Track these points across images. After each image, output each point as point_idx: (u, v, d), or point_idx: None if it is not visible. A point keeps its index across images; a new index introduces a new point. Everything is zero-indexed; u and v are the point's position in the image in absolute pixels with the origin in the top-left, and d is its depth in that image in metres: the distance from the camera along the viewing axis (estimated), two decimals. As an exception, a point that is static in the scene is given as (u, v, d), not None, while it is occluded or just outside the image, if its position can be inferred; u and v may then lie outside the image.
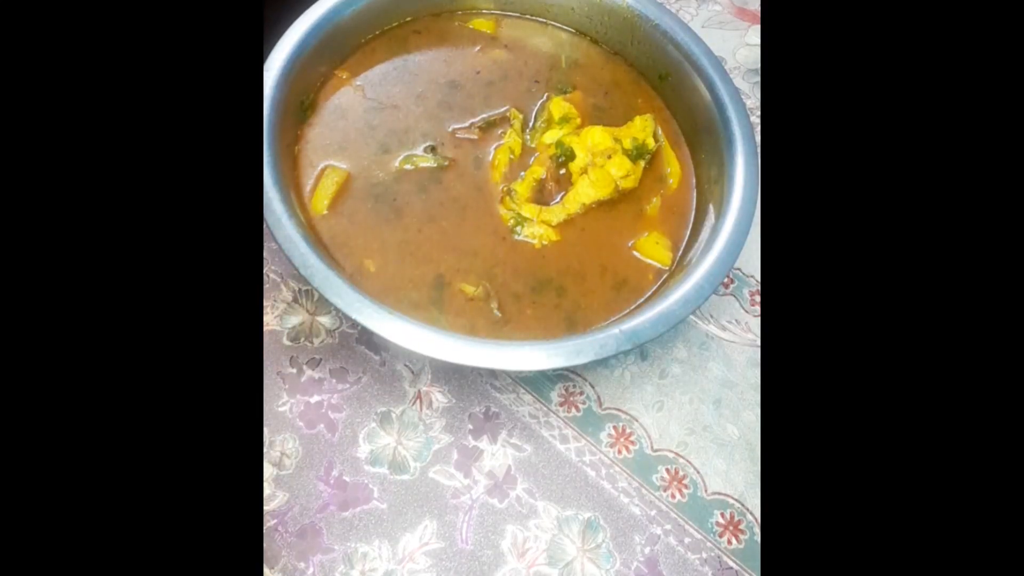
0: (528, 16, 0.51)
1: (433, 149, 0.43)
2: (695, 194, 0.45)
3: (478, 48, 0.48)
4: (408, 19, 0.49)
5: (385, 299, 0.36)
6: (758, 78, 0.59)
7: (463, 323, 0.38)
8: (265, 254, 0.46)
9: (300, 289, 0.45)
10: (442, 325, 0.38)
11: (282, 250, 0.35)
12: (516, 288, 0.40)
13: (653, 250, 0.42)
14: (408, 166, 0.43)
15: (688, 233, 0.43)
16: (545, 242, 0.41)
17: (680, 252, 0.42)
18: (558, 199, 0.43)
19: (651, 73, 0.49)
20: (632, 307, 0.40)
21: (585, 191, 0.42)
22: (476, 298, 0.39)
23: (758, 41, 0.61)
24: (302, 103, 0.43)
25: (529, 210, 0.42)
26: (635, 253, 0.42)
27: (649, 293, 0.41)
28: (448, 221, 0.41)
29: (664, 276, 0.41)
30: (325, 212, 0.40)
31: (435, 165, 0.43)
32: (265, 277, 0.45)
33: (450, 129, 0.45)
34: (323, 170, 0.42)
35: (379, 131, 0.44)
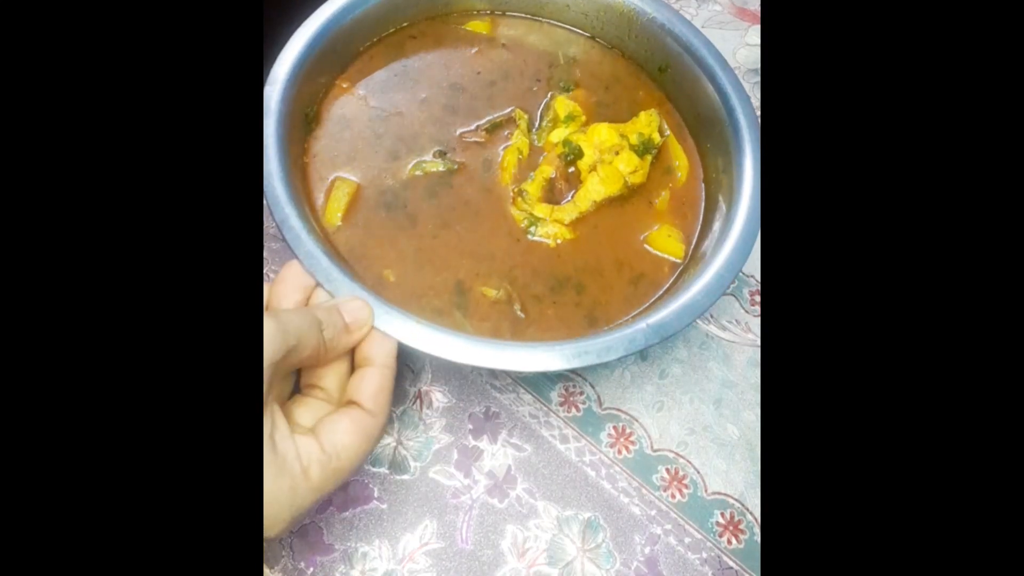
0: (524, 15, 0.51)
1: (442, 154, 0.43)
2: (703, 185, 0.45)
3: (476, 49, 0.48)
4: (405, 24, 0.48)
5: (409, 307, 0.35)
6: (758, 78, 0.59)
7: (488, 327, 0.38)
8: (265, 254, 0.46)
9: (300, 289, 0.45)
10: (467, 330, 0.37)
11: (303, 266, 0.34)
12: (536, 289, 0.40)
13: (665, 243, 0.42)
14: (418, 172, 0.42)
15: (700, 224, 0.43)
16: (560, 241, 0.41)
17: (693, 244, 0.42)
18: (569, 197, 0.43)
19: (651, 66, 0.49)
20: (651, 301, 0.40)
21: (595, 188, 0.42)
22: (498, 301, 0.39)
23: (758, 41, 0.61)
24: (307, 115, 0.43)
25: (541, 210, 0.42)
26: (648, 247, 0.42)
27: (667, 286, 0.41)
28: (463, 226, 0.41)
29: (679, 269, 0.41)
30: (339, 224, 0.40)
31: (445, 170, 0.43)
32: (265, 277, 0.45)
33: (457, 133, 0.44)
34: (333, 182, 0.41)
35: (386, 139, 0.43)
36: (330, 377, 0.32)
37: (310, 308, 0.32)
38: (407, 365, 0.43)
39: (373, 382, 0.32)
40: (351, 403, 0.32)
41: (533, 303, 0.39)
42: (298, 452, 0.28)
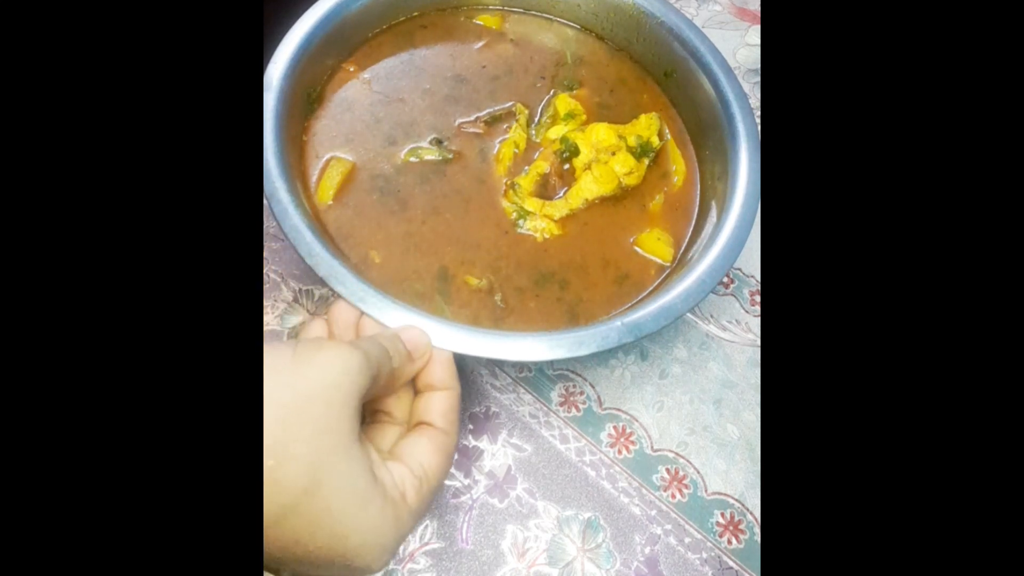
0: (534, 12, 0.51)
1: (439, 142, 0.43)
2: (699, 191, 0.45)
3: (484, 43, 0.48)
4: (415, 14, 0.49)
5: (390, 290, 0.36)
6: (758, 78, 0.59)
7: (467, 314, 0.38)
8: (265, 254, 0.46)
9: (300, 289, 0.45)
10: (446, 316, 0.38)
11: (288, 239, 0.35)
12: (519, 281, 0.40)
13: (655, 246, 0.42)
14: (413, 158, 0.43)
15: (691, 230, 0.43)
16: (547, 236, 0.41)
17: (682, 249, 0.42)
18: (561, 194, 0.43)
19: (656, 70, 0.49)
20: (634, 301, 0.40)
21: (588, 187, 0.42)
22: (480, 290, 0.39)
23: (758, 41, 0.61)
24: (309, 95, 0.43)
25: (532, 204, 0.42)
26: (636, 249, 0.42)
27: (651, 288, 0.41)
28: (452, 213, 0.41)
29: (666, 272, 0.41)
30: (331, 202, 0.40)
31: (440, 158, 0.43)
32: (265, 277, 0.45)
33: (456, 123, 0.45)
34: (328, 161, 0.42)
35: (385, 123, 0.44)
36: (392, 402, 0.32)
37: (375, 337, 0.31)
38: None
39: (442, 403, 0.32)
40: (422, 424, 0.31)
41: (515, 295, 0.39)
42: (394, 479, 0.28)
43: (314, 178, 0.41)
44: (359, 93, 0.45)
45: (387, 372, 0.30)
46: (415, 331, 0.33)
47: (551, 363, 0.44)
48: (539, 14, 0.51)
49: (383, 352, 0.30)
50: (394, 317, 0.34)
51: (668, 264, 0.42)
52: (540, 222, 0.42)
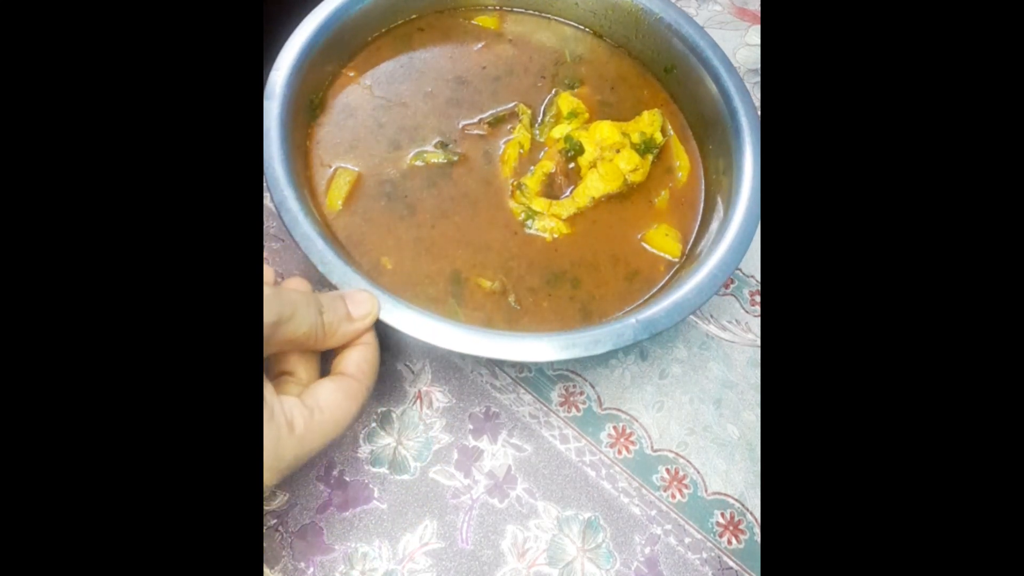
0: (532, 11, 0.51)
1: (444, 145, 0.43)
2: (703, 186, 0.45)
3: (483, 44, 0.48)
4: (413, 16, 0.49)
5: (403, 295, 0.36)
6: (758, 78, 0.59)
7: (481, 317, 0.38)
8: (265, 254, 0.46)
9: (300, 288, 0.45)
10: (460, 319, 0.38)
11: (299, 247, 0.35)
12: (531, 281, 0.40)
13: (663, 242, 0.42)
14: (419, 162, 0.43)
15: (697, 224, 0.43)
16: (556, 235, 0.42)
17: (690, 244, 0.43)
18: (568, 193, 0.43)
19: (656, 66, 0.49)
20: (645, 297, 0.40)
21: (594, 185, 0.42)
22: (494, 292, 0.39)
23: (758, 41, 0.61)
24: (311, 102, 0.43)
25: (540, 204, 0.42)
26: (645, 245, 0.42)
27: (661, 283, 0.41)
28: (461, 216, 0.41)
29: (675, 267, 0.41)
30: (340, 209, 0.40)
31: (446, 161, 0.43)
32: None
33: (459, 125, 0.45)
34: (336, 171, 0.42)
35: (388, 128, 0.44)
36: (301, 364, 0.33)
37: (314, 292, 0.33)
38: (406, 365, 0.43)
39: (357, 355, 0.33)
40: (336, 373, 0.33)
41: (528, 295, 0.39)
42: (282, 408, 0.30)
43: (321, 186, 0.41)
44: (361, 98, 0.45)
45: (311, 321, 0.31)
46: (362, 294, 0.34)
47: (551, 363, 0.44)
48: (536, 13, 0.51)
49: (308, 300, 0.31)
50: (409, 322, 0.34)
51: (677, 260, 0.42)
52: (549, 222, 0.42)
